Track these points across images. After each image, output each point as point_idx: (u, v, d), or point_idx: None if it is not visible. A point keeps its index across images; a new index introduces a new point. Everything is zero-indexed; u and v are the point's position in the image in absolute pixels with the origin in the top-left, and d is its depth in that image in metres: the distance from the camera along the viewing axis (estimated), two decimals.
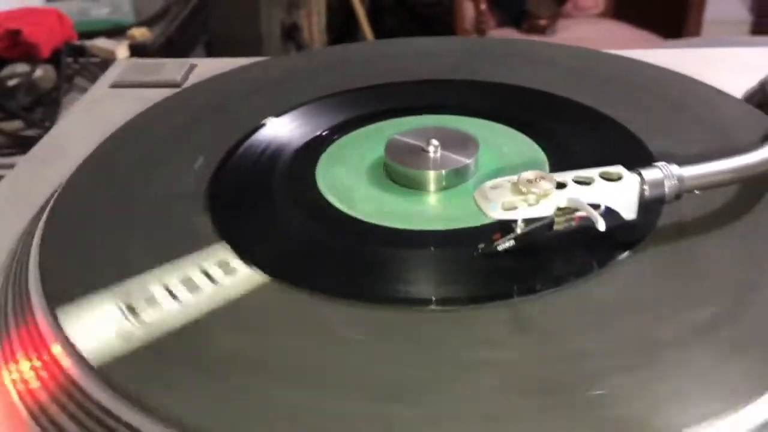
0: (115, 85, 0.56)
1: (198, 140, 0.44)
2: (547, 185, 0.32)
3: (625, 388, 0.26)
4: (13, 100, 0.91)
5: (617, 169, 0.33)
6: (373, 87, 0.48)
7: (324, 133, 0.44)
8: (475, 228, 0.35)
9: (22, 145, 0.84)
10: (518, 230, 0.32)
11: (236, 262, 0.33)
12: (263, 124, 0.45)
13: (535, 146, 0.41)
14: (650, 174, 0.33)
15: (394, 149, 0.40)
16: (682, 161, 0.34)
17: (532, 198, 0.31)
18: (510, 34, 2.15)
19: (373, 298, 0.31)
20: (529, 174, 0.32)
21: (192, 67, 0.58)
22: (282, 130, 0.45)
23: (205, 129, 0.45)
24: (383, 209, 0.37)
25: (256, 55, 1.91)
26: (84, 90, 1.01)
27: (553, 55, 0.53)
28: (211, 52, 1.66)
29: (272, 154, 0.42)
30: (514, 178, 0.32)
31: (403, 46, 0.55)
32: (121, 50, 1.16)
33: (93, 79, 1.00)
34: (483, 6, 1.91)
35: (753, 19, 2.69)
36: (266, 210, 0.38)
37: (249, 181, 0.40)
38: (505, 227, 0.33)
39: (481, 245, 0.33)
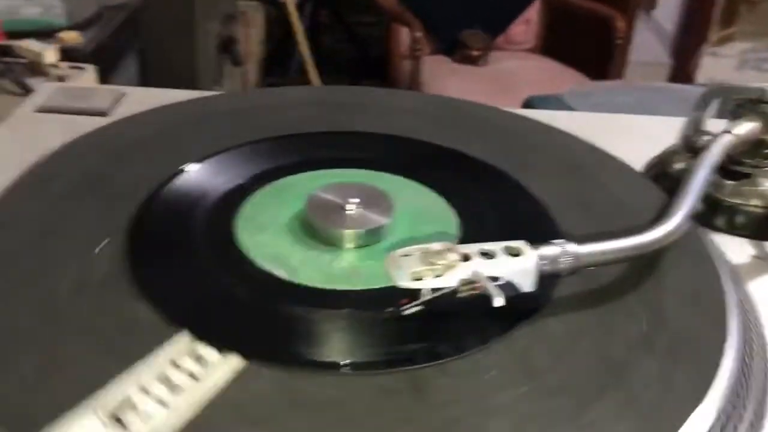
0: (41, 110, 0.56)
1: (112, 189, 0.44)
2: (453, 257, 0.34)
3: None
4: None
5: (519, 244, 0.35)
6: (296, 136, 0.50)
7: (245, 183, 0.45)
8: (389, 289, 0.37)
9: None
10: (424, 297, 0.34)
11: (204, 351, 0.32)
12: (182, 171, 0.45)
13: (450, 210, 0.44)
14: (548, 251, 0.35)
15: (314, 205, 0.41)
16: (580, 239, 0.36)
17: (438, 269, 0.33)
18: (443, 62, 2.20)
19: (280, 360, 0.32)
20: (437, 245, 0.34)
21: (121, 95, 0.58)
22: (201, 178, 0.45)
23: (120, 176, 0.45)
24: (301, 266, 0.39)
25: (190, 67, 1.85)
26: (7, 92, 0.99)
27: (481, 116, 0.55)
28: (143, 61, 1.64)
29: (190, 206, 0.42)
30: (424, 247, 0.34)
31: (327, 93, 0.57)
32: (50, 54, 1.14)
33: (17, 81, 0.98)
34: (418, 33, 1.95)
35: (672, 63, 2.83)
36: (185, 268, 0.39)
37: (167, 236, 0.41)
38: (412, 292, 0.35)
39: (389, 309, 0.35)
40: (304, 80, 2.38)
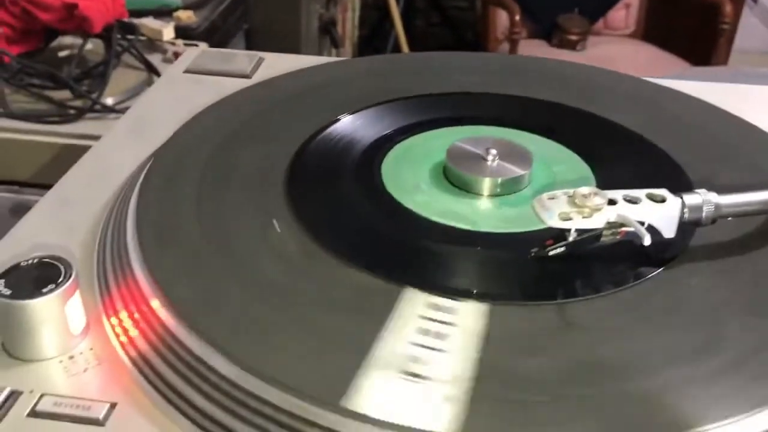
0: (189, 71, 0.60)
1: (276, 130, 0.48)
2: (599, 200, 0.36)
3: (642, 390, 0.30)
4: (63, 70, 0.95)
5: (662, 191, 0.37)
6: (440, 95, 0.53)
7: (393, 133, 0.48)
8: (523, 233, 0.39)
9: (69, 114, 0.88)
10: (570, 238, 0.36)
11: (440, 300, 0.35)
12: (338, 119, 0.49)
13: (584, 165, 0.45)
14: (691, 199, 0.37)
15: (455, 155, 0.44)
16: (719, 190, 0.37)
17: (586, 211, 0.35)
18: (540, 46, 2.18)
19: (430, 286, 0.35)
20: (584, 189, 0.36)
21: (261, 60, 0.62)
22: (357, 125, 0.49)
23: (283, 120, 0.49)
24: (442, 208, 0.41)
25: (294, 47, 1.91)
26: (130, 66, 1.06)
27: (611, 84, 0.56)
28: (250, 41, 1.70)
29: (345, 148, 0.46)
30: (570, 191, 0.36)
31: (472, 59, 0.60)
32: (168, 31, 1.20)
33: (140, 57, 1.05)
34: (516, 17, 1.95)
35: None
36: (337, 202, 0.42)
37: (323, 173, 0.45)
38: (556, 235, 0.37)
39: (534, 249, 0.37)
40: None
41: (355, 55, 2.50)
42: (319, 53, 1.98)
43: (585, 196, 0.36)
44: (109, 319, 0.36)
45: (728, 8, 2.02)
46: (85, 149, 0.51)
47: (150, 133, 0.51)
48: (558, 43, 2.18)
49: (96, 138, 0.54)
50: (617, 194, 0.36)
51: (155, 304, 0.35)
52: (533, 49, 2.15)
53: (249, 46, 1.72)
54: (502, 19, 2.14)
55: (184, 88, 0.58)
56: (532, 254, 0.37)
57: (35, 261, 0.35)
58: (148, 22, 1.20)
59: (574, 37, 2.17)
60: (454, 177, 0.43)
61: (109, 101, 0.95)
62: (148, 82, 1.01)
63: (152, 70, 1.04)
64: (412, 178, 0.44)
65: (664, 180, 0.44)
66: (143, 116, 0.54)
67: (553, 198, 0.36)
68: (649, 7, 2.27)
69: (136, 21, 1.18)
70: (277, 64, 0.61)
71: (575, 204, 0.35)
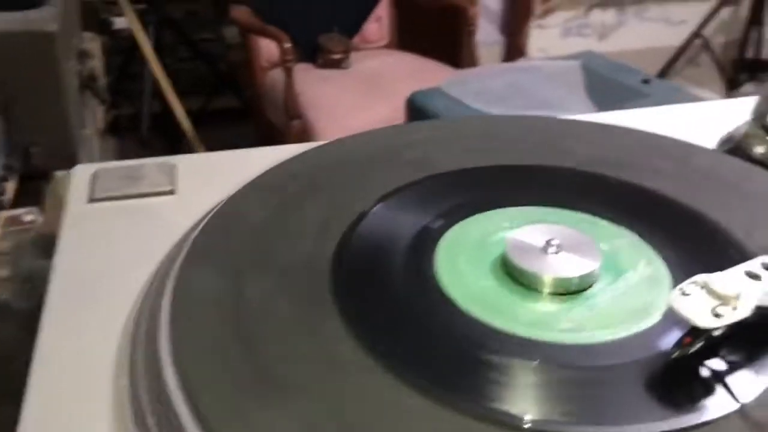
0: (96, 200, 0.48)
1: (302, 225, 0.42)
2: (738, 286, 0.33)
3: None
4: None
5: None
6: (475, 170, 0.47)
7: (436, 221, 0.43)
8: (585, 346, 0.36)
9: None
10: (717, 333, 0.33)
11: None
12: (368, 212, 0.42)
13: (639, 241, 0.42)
14: None
15: (514, 248, 0.39)
16: None
17: (733, 302, 0.33)
18: (307, 69, 2.16)
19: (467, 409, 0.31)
20: (717, 277, 0.33)
21: (173, 167, 0.51)
22: (391, 214, 0.43)
23: (307, 212, 0.43)
24: (505, 310, 0.37)
25: (58, 109, 1.70)
26: None
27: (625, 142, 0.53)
28: (9, 111, 1.48)
29: (388, 242, 0.41)
30: (699, 281, 0.33)
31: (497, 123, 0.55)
32: None
33: None
34: (287, 44, 1.91)
35: (504, 40, 2.98)
36: (389, 304, 0.37)
37: (369, 273, 0.39)
38: (689, 329, 0.34)
39: (675, 351, 0.34)
40: (161, 106, 2.26)
41: (109, 106, 2.29)
42: (83, 111, 1.78)
43: (723, 284, 0.33)
44: None
45: (473, 11, 2.16)
46: None
47: (95, 295, 0.40)
48: (323, 64, 2.18)
49: None
50: (754, 267, 0.34)
51: None
52: (301, 72, 2.12)
53: (7, 118, 1.49)
54: (265, 47, 2.09)
55: (103, 224, 0.46)
56: (674, 357, 0.34)
57: None
58: None
59: (337, 56, 2.19)
60: (518, 273, 0.39)
61: None
62: None
63: None
64: (468, 273, 0.39)
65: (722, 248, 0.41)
66: (77, 273, 0.42)
67: (686, 294, 0.33)
68: (398, 17, 2.36)
69: None
70: (197, 168, 0.51)
71: (718, 295, 0.33)
